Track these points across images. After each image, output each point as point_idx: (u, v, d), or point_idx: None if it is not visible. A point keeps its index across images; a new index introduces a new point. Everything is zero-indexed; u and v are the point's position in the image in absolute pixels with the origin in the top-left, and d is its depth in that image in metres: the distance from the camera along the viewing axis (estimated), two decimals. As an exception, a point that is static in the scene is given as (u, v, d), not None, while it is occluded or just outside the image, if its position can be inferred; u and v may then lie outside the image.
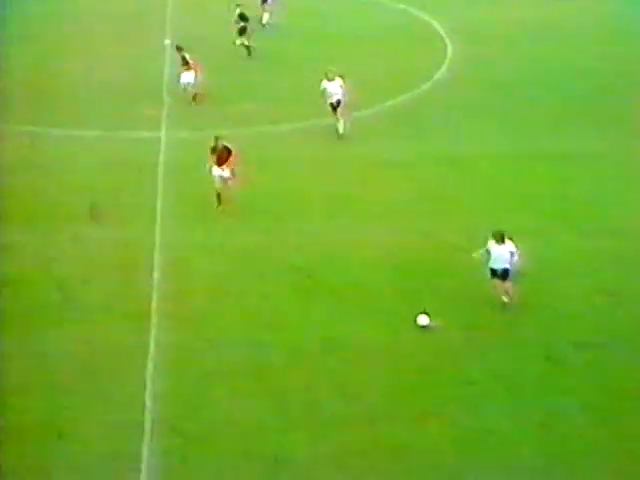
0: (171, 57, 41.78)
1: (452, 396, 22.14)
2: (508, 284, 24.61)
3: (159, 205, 30.42)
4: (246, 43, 43.68)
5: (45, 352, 23.59)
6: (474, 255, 24.44)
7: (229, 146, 29.28)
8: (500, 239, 23.99)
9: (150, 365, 23.18)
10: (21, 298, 25.66)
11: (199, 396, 22.20)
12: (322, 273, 26.91)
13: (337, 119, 34.81)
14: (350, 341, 23.96)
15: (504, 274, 24.49)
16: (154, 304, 25.48)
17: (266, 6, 47.81)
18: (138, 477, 19.87)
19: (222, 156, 29.23)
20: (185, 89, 38.44)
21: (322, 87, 34.51)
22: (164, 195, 31.03)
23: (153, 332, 24.34)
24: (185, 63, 38.10)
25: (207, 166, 29.52)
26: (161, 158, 33.75)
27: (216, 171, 29.36)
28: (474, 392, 22.28)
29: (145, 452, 20.51)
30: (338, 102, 34.55)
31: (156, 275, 26.79)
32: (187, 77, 38.23)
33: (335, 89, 34.44)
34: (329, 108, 34.87)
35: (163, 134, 35.74)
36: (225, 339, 24.10)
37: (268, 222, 29.42)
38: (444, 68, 42.78)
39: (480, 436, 20.88)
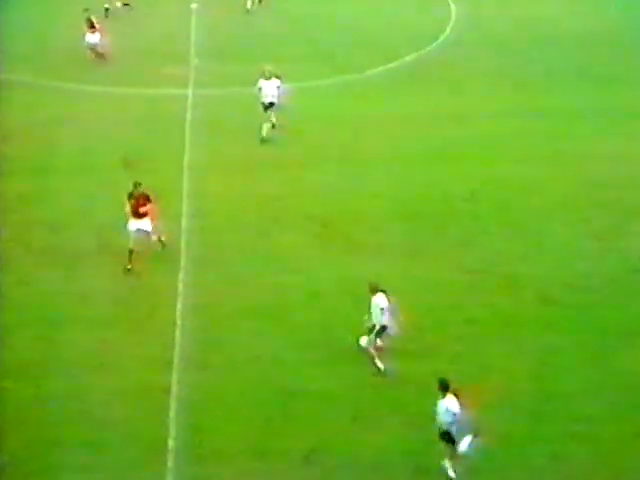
0: (197, 19, 41.45)
1: (455, 334, 22.06)
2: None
3: (186, 157, 30.25)
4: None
5: (86, 291, 23.63)
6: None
7: (147, 193, 24.36)
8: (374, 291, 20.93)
9: (179, 304, 23.15)
10: (65, 241, 25.64)
11: (224, 333, 22.18)
12: (337, 221, 26.78)
13: (267, 119, 30.74)
14: (363, 283, 23.81)
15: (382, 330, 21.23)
16: (182, 248, 25.41)
17: None
18: (168, 406, 19.89)
19: (139, 203, 24.18)
20: (91, 49, 38.07)
21: (258, 85, 30.76)
22: (191, 148, 30.86)
23: (182, 274, 24.28)
24: (91, 26, 37.77)
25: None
26: (188, 114, 33.51)
27: (133, 225, 24.17)
28: (475, 331, 22.20)
29: (174, 385, 20.52)
30: (271, 104, 30.67)
31: (183, 222, 26.67)
32: (92, 38, 37.90)
33: (271, 90, 30.60)
34: (261, 107, 30.92)
35: (190, 92, 35.46)
36: (247, 281, 24.04)
37: (287, 173, 29.24)
38: (448, 29, 42.25)
39: (480, 372, 20.80)
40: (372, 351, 20.92)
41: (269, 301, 23.24)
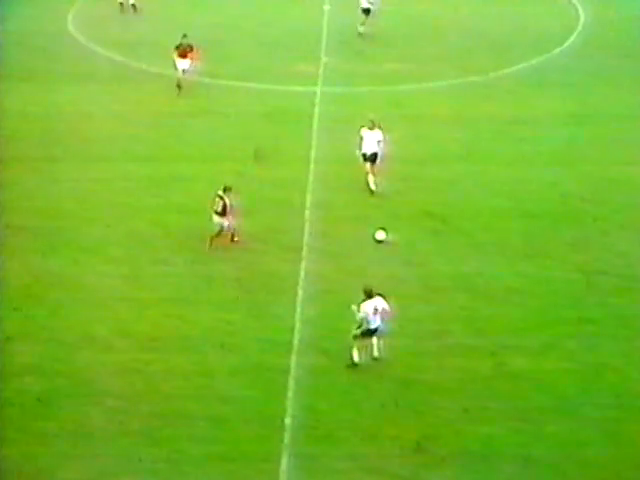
0: (329, 20, 41.77)
1: (572, 333, 21.76)
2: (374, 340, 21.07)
3: (312, 151, 30.55)
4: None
5: (213, 274, 24.15)
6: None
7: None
8: (368, 295, 20.58)
9: (300, 292, 23.47)
10: (195, 225, 26.19)
11: (342, 321, 22.32)
12: (456, 218, 26.70)
13: (369, 173, 27.92)
14: (479, 279, 23.74)
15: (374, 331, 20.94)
16: (305, 238, 25.71)
17: None
18: (286, 388, 20.19)
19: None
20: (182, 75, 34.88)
21: (360, 135, 27.90)
22: (317, 143, 31.15)
23: (304, 263, 24.59)
24: (184, 53, 34.49)
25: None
26: (316, 110, 33.81)
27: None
28: (593, 330, 21.86)
29: (293, 367, 20.82)
30: (374, 155, 27.76)
31: (307, 213, 27.00)
32: (183, 64, 34.73)
33: (372, 142, 27.68)
34: (361, 158, 28.05)
35: (319, 89, 35.77)
36: (365, 272, 24.15)
37: (408, 169, 29.25)
38: (575, 33, 41.47)
39: (595, 371, 20.47)
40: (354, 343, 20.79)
41: (385, 292, 23.26)
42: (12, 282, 23.61)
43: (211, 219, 25.02)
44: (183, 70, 34.64)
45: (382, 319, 20.47)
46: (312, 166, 29.61)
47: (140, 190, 28.25)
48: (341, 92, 35.35)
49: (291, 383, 20.36)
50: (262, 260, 24.75)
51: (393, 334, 21.64)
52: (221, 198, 24.93)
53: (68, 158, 30.19)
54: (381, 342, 20.88)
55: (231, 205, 24.89)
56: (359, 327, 20.58)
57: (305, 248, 25.27)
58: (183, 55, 34.56)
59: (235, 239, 25.33)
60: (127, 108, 33.69)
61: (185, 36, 34.61)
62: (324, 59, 38.52)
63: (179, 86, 34.41)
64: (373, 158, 27.74)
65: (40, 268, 24.21)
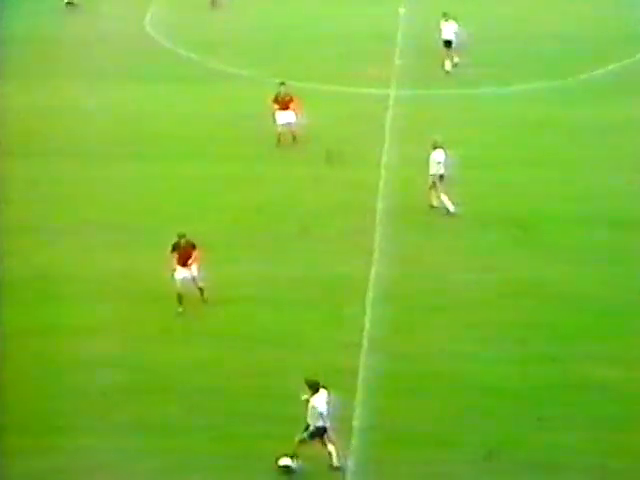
0: (404, 23, 41.82)
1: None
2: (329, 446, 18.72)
3: (384, 155, 30.65)
4: None
5: (286, 275, 24.42)
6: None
7: (193, 242, 23.07)
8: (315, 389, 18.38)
9: (370, 294, 23.60)
10: (270, 224, 26.60)
11: (413, 324, 22.46)
12: (535, 223, 26.67)
13: (437, 195, 27.30)
14: (560, 286, 23.64)
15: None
16: (377, 241, 25.81)
17: None
18: (355, 388, 20.27)
19: (186, 254, 22.95)
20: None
21: (430, 156, 27.26)
22: (389, 146, 31.23)
23: (375, 266, 24.67)
24: (286, 105, 30.93)
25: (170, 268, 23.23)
26: (389, 113, 33.89)
27: (179, 274, 22.97)
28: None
29: (361, 369, 20.92)
30: (441, 176, 27.22)
31: (378, 217, 27.11)
32: (287, 117, 31.12)
33: (437, 160, 27.15)
34: (430, 180, 27.43)
35: (392, 92, 35.84)
36: (440, 276, 24.24)
37: (489, 174, 29.18)
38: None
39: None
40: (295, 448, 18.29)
41: (460, 297, 23.36)
42: (97, 276, 24.17)
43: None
44: (286, 124, 30.85)
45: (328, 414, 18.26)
46: (384, 169, 29.72)
47: (217, 189, 28.68)
48: (415, 95, 35.40)
49: (360, 385, 20.46)
50: (335, 262, 24.96)
51: (468, 340, 21.65)
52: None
53: (152, 156, 30.78)
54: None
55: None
56: (306, 429, 18.21)
57: (377, 251, 25.39)
58: (285, 107, 30.80)
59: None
60: (205, 108, 34.17)
61: (283, 84, 31.25)
62: (398, 62, 38.59)
63: (279, 140, 31.02)
64: (441, 178, 27.17)
65: (126, 263, 24.68)
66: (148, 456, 18.55)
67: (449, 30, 37.24)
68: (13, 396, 19.94)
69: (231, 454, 18.59)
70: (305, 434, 18.16)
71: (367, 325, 22.46)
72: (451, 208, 27.10)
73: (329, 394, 18.23)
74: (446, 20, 37.27)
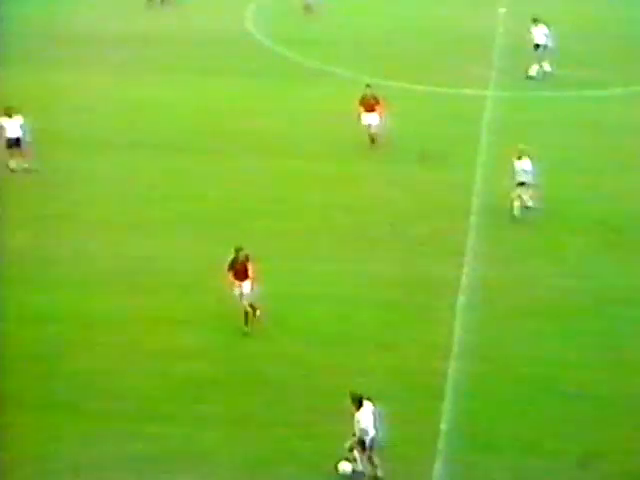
0: (504, 24, 41.36)
1: None
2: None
3: (479, 156, 30.29)
4: None
5: (377, 273, 24.19)
6: None
7: (249, 256, 22.01)
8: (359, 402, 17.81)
9: (461, 297, 23.27)
10: (362, 224, 26.44)
11: (504, 329, 22.09)
12: (632, 229, 26.02)
13: (517, 197, 26.78)
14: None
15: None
16: (470, 243, 25.51)
17: None
18: (443, 391, 20.06)
19: (243, 270, 21.92)
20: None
21: (515, 165, 26.70)
22: (486, 147, 30.86)
23: (467, 268, 24.38)
24: (371, 106, 30.50)
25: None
26: (486, 114, 33.51)
27: (238, 290, 21.96)
28: None
29: (451, 372, 20.66)
30: (522, 183, 26.60)
31: (472, 218, 26.77)
32: (371, 119, 30.76)
33: (523, 169, 26.55)
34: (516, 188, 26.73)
35: (490, 92, 35.43)
36: (532, 281, 23.80)
37: (579, 178, 28.64)
38: None
39: None
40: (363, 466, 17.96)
41: (553, 303, 22.89)
42: (180, 267, 24.37)
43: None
44: (370, 125, 30.63)
45: (376, 426, 17.76)
46: (479, 170, 29.35)
47: (308, 186, 28.66)
48: (512, 97, 34.93)
49: (448, 388, 20.22)
50: (425, 263, 24.68)
51: (561, 347, 21.23)
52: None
53: (246, 151, 30.89)
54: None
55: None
56: (358, 442, 17.72)
57: (469, 253, 25.06)
58: (370, 109, 30.45)
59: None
60: (299, 105, 34.26)
61: (369, 86, 30.86)
62: (497, 63, 38.15)
63: (373, 140, 30.82)
64: (522, 184, 26.60)
65: (216, 257, 24.80)
66: (231, 447, 18.61)
67: (540, 34, 36.67)
68: (103, 381, 20.31)
69: (314, 451, 18.44)
70: (353, 443, 17.79)
71: (457, 328, 22.12)
72: (515, 211, 26.65)
73: (375, 406, 17.77)
74: (536, 25, 36.72)
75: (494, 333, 21.93)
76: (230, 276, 21.74)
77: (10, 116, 28.88)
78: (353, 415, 17.74)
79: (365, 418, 17.46)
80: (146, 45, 40.59)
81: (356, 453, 17.82)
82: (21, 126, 28.88)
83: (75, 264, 24.69)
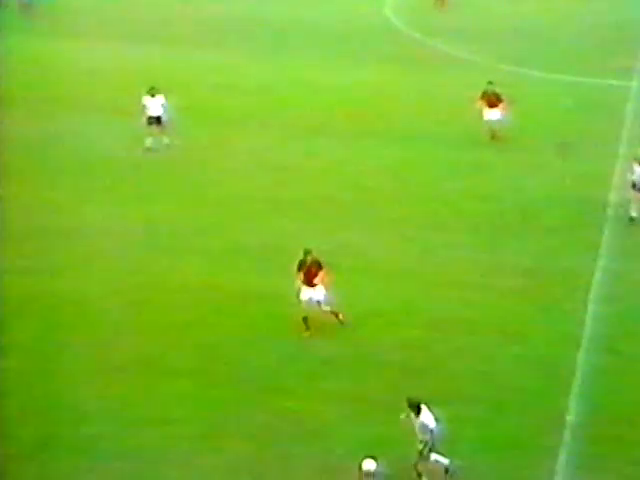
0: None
1: None
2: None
3: (621, 148, 29.57)
4: None
5: (502, 262, 23.91)
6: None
7: (319, 260, 21.09)
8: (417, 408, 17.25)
9: (594, 289, 22.75)
10: (486, 212, 26.20)
11: (637, 324, 21.53)
12: None
13: (634, 202, 25.88)
14: None
15: None
16: (605, 236, 24.95)
17: None
18: (571, 384, 19.69)
19: (312, 273, 20.90)
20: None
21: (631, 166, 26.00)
22: (628, 140, 30.12)
23: (601, 261, 23.84)
24: (493, 102, 30.23)
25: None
26: (629, 106, 32.70)
27: (305, 294, 20.93)
28: None
29: (580, 364, 20.26)
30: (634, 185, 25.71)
31: (609, 211, 26.21)
32: (493, 115, 30.44)
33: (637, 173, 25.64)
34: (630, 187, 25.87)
35: (635, 83, 34.53)
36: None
37: None
38: None
39: None
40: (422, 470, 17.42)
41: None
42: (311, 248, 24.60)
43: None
44: (489, 121, 30.32)
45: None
46: (619, 163, 28.65)
47: (439, 173, 28.56)
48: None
49: (577, 380, 19.82)
50: (557, 253, 24.27)
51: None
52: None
53: (373, 135, 31.02)
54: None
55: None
56: (424, 447, 17.18)
57: (603, 246, 24.52)
58: (492, 104, 30.16)
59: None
60: (438, 91, 34.23)
61: (491, 83, 30.45)
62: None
63: (493, 136, 30.52)
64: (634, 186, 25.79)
65: (342, 240, 24.97)
66: (349, 425, 18.61)
67: None
68: (236, 352, 20.63)
69: None
70: (420, 455, 17.15)
71: (588, 320, 21.66)
72: (633, 213, 25.81)
73: (432, 411, 17.14)
74: None
75: (627, 327, 21.39)
76: (299, 278, 20.86)
77: (153, 95, 29.73)
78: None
79: (430, 420, 17.01)
80: (285, 29, 41.16)
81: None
82: (162, 105, 29.67)
83: (213, 236, 25.18)
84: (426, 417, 17.07)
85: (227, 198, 27.31)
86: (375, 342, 21.03)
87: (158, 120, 29.74)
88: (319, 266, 20.67)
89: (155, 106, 29.68)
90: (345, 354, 20.61)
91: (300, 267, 20.77)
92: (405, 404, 17.19)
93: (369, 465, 16.77)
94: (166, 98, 29.79)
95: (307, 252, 20.79)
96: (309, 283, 20.69)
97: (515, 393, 19.25)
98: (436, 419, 17.04)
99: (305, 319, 20.94)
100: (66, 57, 38.22)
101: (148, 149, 29.90)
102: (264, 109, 33.35)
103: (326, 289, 20.89)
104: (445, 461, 17.43)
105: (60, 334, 21.13)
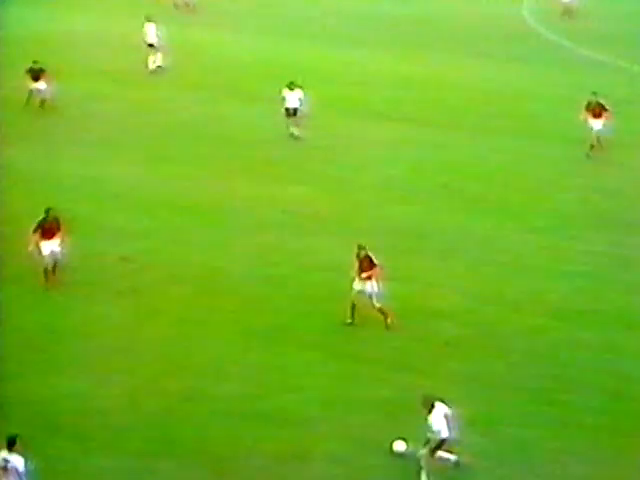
0: None
1: None
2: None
3: None
4: None
5: (630, 256, 24.43)
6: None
7: (371, 256, 21.41)
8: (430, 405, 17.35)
9: None
10: (617, 208, 26.61)
11: None
12: None
13: None
14: None
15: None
16: None
17: None
18: None
19: (365, 267, 21.39)
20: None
21: None
22: None
23: None
24: (599, 112, 30.19)
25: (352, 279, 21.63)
26: None
27: (357, 285, 21.45)
28: None
29: None
30: None
31: None
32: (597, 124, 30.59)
33: None
34: None
35: None
36: None
37: None
38: None
39: None
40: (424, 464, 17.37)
41: None
42: (436, 235, 25.57)
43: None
44: (594, 129, 30.49)
45: (449, 426, 17.29)
46: None
47: (566, 170, 29.25)
48: None
49: None
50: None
51: None
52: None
53: (502, 132, 32.03)
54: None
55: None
56: (426, 443, 17.30)
57: None
58: (597, 114, 30.39)
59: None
60: (574, 93, 34.38)
61: (595, 94, 30.67)
62: None
63: (592, 146, 30.54)
64: None
65: (465, 226, 25.95)
66: (469, 404, 18.86)
67: None
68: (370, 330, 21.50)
69: (549, 418, 18.79)
70: (426, 449, 17.26)
71: None
72: None
73: (449, 407, 17.29)
74: None
75: None
76: (355, 270, 21.41)
77: (292, 89, 31.28)
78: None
79: (437, 421, 17.11)
80: (423, 26, 42.08)
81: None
82: (299, 99, 31.20)
83: (350, 219, 26.44)
84: (435, 417, 17.11)
85: (365, 185, 28.59)
86: (499, 327, 21.79)
87: (295, 112, 31.30)
88: (371, 262, 21.21)
89: (293, 99, 31.29)
90: (468, 336, 21.44)
91: (357, 257, 21.35)
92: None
93: (399, 447, 17.41)
94: (304, 92, 31.18)
95: (361, 248, 21.36)
96: (360, 276, 21.37)
97: (635, 383, 19.69)
98: (448, 423, 17.04)
99: (353, 307, 21.45)
100: (229, 49, 40.32)
101: (292, 135, 31.48)
102: (404, 104, 34.42)
103: (377, 284, 21.33)
104: (452, 457, 17.42)
105: (209, 300, 22.64)
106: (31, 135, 31.24)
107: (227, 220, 26.40)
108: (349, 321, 21.64)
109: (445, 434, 17.09)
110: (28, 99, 33.06)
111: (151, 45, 38.36)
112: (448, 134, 31.87)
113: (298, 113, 31.19)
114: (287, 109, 31.35)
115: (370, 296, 21.40)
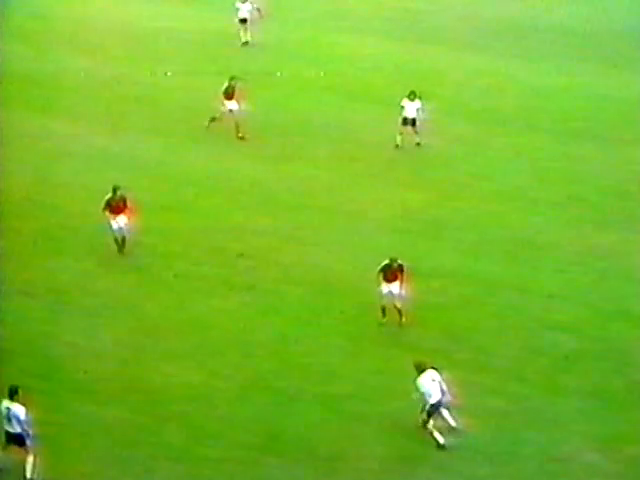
0: None
1: None
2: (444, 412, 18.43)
3: None
4: None
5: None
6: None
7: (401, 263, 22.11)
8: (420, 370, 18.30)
9: None
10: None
11: None
12: None
13: None
14: None
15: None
16: None
17: None
18: None
19: (393, 273, 22.03)
20: None
21: None
22: None
23: None
24: None
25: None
26: None
27: (385, 288, 22.01)
28: None
29: None
30: None
31: None
32: None
33: None
34: None
35: None
36: None
37: None
38: None
39: None
40: (429, 427, 18.19)
41: None
42: (560, 246, 25.02)
43: None
44: None
45: (442, 391, 18.15)
46: None
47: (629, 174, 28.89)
48: None
49: None
50: None
51: None
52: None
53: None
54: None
55: None
56: (422, 409, 18.25)
57: None
58: None
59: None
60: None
61: None
62: None
63: None
64: None
65: (589, 239, 25.41)
66: (583, 420, 18.82)
67: None
68: (477, 337, 21.26)
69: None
70: (424, 414, 18.11)
71: None
72: None
73: (440, 373, 17.95)
74: None
75: None
76: (380, 277, 21.86)
77: (412, 99, 31.03)
78: None
79: (425, 383, 17.93)
80: (555, 35, 41.69)
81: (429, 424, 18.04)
82: (417, 109, 30.97)
83: (466, 227, 26.14)
84: (423, 380, 17.94)
85: (486, 193, 28.19)
86: (621, 343, 21.18)
87: (413, 122, 31.13)
88: (400, 268, 21.89)
89: (411, 109, 31.10)
90: (589, 350, 20.93)
91: (382, 269, 21.97)
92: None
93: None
94: (424, 102, 30.89)
95: (393, 260, 21.95)
96: (389, 280, 21.90)
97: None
98: (441, 388, 17.83)
99: (383, 309, 21.93)
100: (354, 52, 40.36)
101: (397, 146, 31.31)
102: (532, 112, 34.02)
103: (403, 287, 21.81)
104: (452, 422, 18.05)
105: (322, 301, 22.77)
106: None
107: (346, 222, 26.36)
108: (383, 320, 21.89)
109: (436, 398, 17.89)
110: None
111: (243, 20, 39.84)
112: (578, 144, 31.28)
113: (417, 123, 31.10)
114: (405, 118, 31.28)
115: (395, 296, 21.85)
